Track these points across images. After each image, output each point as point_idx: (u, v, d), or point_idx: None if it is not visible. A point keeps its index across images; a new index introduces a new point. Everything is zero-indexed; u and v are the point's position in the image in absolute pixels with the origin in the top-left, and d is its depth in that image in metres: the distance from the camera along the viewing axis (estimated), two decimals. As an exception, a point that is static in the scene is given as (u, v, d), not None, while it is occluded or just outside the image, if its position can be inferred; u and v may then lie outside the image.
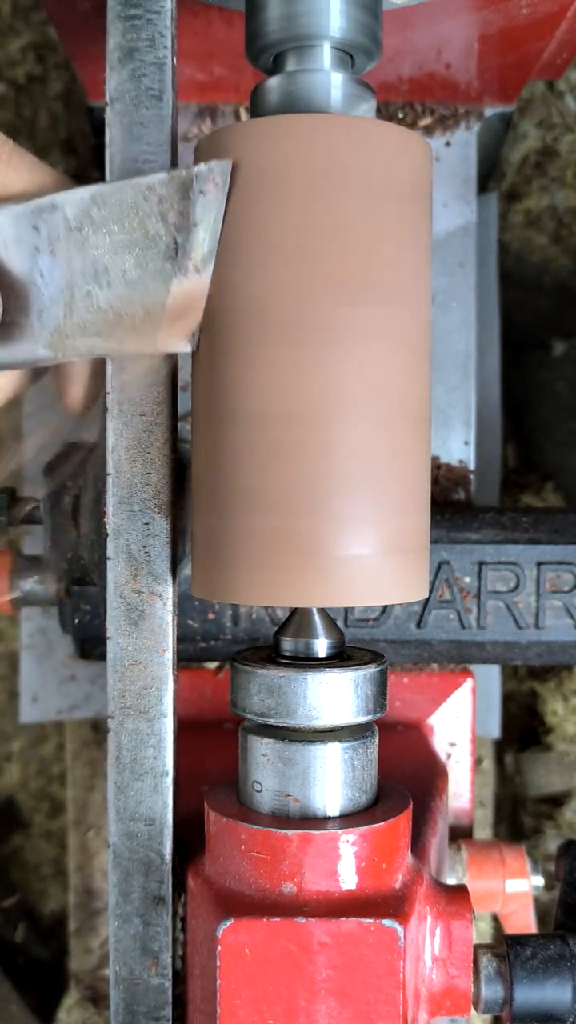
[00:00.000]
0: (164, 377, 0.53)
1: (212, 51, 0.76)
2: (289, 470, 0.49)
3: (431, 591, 0.77)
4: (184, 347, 0.51)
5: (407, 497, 0.51)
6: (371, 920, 0.49)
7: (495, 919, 0.98)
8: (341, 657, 0.55)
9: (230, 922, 0.50)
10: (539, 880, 0.79)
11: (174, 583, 0.54)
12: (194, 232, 0.49)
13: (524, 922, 0.79)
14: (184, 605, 0.76)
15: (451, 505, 0.85)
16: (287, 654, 0.54)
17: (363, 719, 0.53)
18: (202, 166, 0.48)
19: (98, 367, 0.56)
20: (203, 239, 0.49)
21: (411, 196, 0.50)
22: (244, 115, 0.84)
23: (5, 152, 0.52)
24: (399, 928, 0.49)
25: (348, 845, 0.51)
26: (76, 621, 0.77)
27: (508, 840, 0.91)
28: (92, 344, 0.50)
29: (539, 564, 0.77)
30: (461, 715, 0.83)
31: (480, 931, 1.03)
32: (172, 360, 0.53)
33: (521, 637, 0.77)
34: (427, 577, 0.54)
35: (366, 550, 0.49)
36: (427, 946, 0.55)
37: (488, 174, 0.99)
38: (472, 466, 0.86)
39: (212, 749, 0.68)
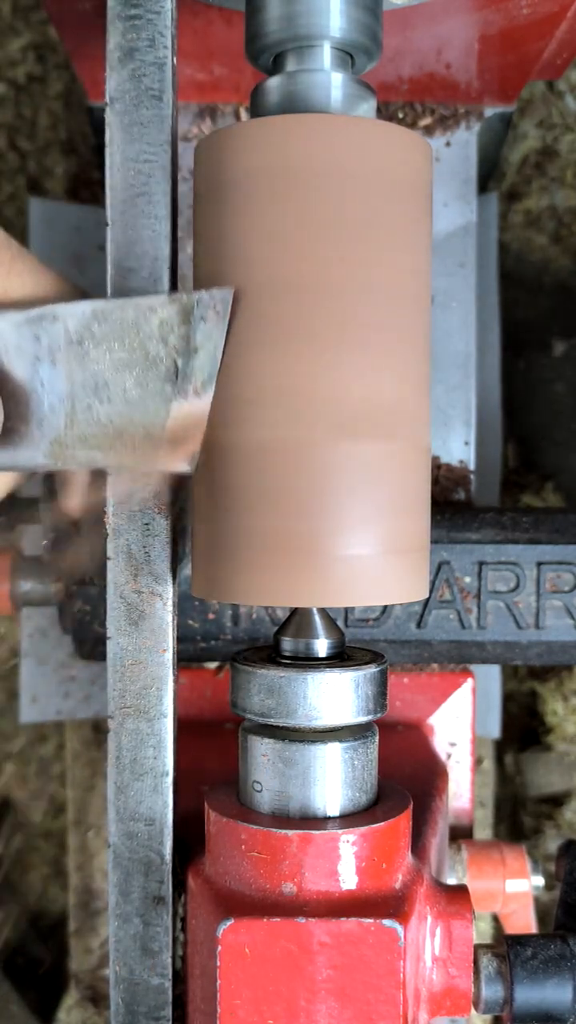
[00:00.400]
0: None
1: (212, 51, 0.76)
2: (289, 471, 0.49)
3: (431, 591, 0.77)
4: (184, 468, 0.51)
5: (407, 497, 0.51)
6: (371, 920, 0.49)
7: (495, 919, 0.98)
8: (341, 657, 0.55)
9: (230, 922, 0.49)
10: (539, 880, 0.79)
11: (174, 583, 0.54)
12: (195, 357, 0.48)
13: (524, 922, 0.79)
14: (184, 605, 0.76)
15: (451, 505, 0.85)
16: (287, 654, 0.54)
17: (363, 719, 0.53)
18: (203, 293, 0.48)
19: (97, 475, 0.56)
20: (204, 364, 0.49)
21: (411, 196, 0.50)
22: (244, 115, 0.84)
23: (7, 257, 0.51)
24: (399, 928, 0.49)
25: (348, 845, 0.51)
26: (76, 621, 0.77)
27: (508, 840, 0.91)
28: (92, 456, 0.50)
29: (539, 564, 0.77)
30: (461, 715, 0.83)
31: (480, 931, 1.03)
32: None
33: (521, 637, 0.77)
34: (427, 577, 0.54)
35: (366, 550, 0.49)
36: (427, 946, 0.55)
37: (488, 174, 0.99)
38: (472, 466, 0.86)
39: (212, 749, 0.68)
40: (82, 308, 0.49)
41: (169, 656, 0.54)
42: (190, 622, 0.77)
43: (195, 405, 0.49)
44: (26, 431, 0.50)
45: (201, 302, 0.48)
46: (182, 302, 0.48)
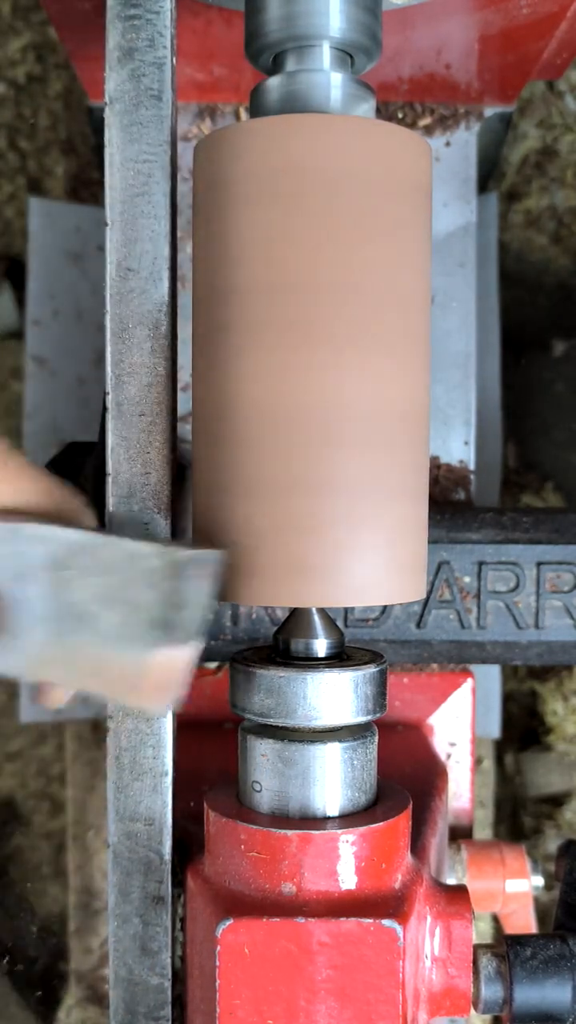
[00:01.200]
0: (164, 378, 0.53)
1: (212, 51, 0.76)
2: (289, 472, 0.49)
3: (431, 591, 0.77)
4: (164, 711, 0.51)
5: (407, 498, 0.51)
6: (371, 920, 0.49)
7: (495, 919, 0.98)
8: (341, 657, 0.55)
9: (230, 922, 0.49)
10: (539, 880, 0.79)
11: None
12: (182, 611, 0.47)
13: (524, 922, 0.79)
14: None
15: (451, 505, 0.85)
16: (287, 654, 0.54)
17: (363, 719, 0.53)
18: (193, 554, 0.47)
19: None
20: (191, 617, 0.48)
21: (411, 196, 0.50)
22: (244, 115, 0.84)
23: None
24: (399, 928, 0.49)
25: (348, 845, 0.51)
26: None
27: (508, 840, 0.91)
28: (72, 679, 0.50)
29: (539, 564, 0.77)
30: (461, 715, 0.83)
31: (480, 931, 1.03)
32: (171, 362, 0.53)
33: (521, 637, 0.77)
34: (427, 577, 0.54)
35: (366, 551, 0.49)
36: (427, 946, 0.55)
37: (488, 174, 0.99)
38: (472, 466, 0.86)
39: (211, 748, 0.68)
40: (68, 536, 0.48)
41: (169, 656, 0.54)
42: (190, 622, 0.77)
43: (180, 653, 0.48)
44: (6, 640, 0.49)
45: (192, 562, 0.47)
46: (172, 558, 0.47)
